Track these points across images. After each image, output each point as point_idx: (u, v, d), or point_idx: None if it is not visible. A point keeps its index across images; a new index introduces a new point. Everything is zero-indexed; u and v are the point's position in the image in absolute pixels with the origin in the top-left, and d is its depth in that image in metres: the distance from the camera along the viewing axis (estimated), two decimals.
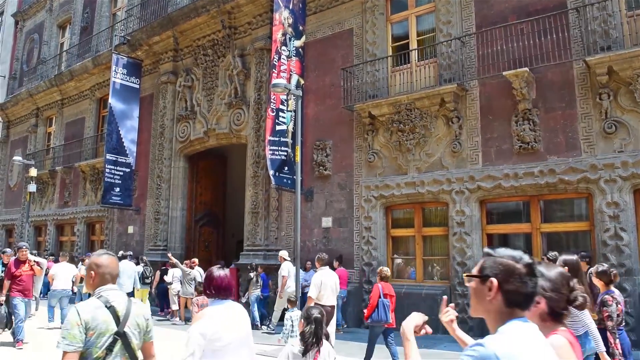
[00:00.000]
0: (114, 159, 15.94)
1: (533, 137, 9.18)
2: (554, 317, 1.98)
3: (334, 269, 10.19)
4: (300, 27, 12.69)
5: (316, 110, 12.37)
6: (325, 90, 12.30)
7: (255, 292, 11.40)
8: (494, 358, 1.52)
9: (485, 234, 9.83)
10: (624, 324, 4.90)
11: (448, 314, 2.07)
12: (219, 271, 3.30)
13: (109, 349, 2.65)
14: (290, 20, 12.33)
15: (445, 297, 2.16)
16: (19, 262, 8.70)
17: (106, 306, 2.69)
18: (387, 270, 7.58)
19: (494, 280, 1.64)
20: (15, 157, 20.14)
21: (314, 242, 11.86)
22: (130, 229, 16.68)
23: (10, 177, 23.92)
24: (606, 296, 4.98)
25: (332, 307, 7.73)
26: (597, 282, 5.25)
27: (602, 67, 8.39)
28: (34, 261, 9.04)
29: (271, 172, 11.66)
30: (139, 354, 2.84)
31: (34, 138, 22.57)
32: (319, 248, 11.63)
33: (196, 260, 12.34)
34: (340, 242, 11.46)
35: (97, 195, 17.60)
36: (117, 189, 15.94)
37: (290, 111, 12.03)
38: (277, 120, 11.92)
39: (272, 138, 11.76)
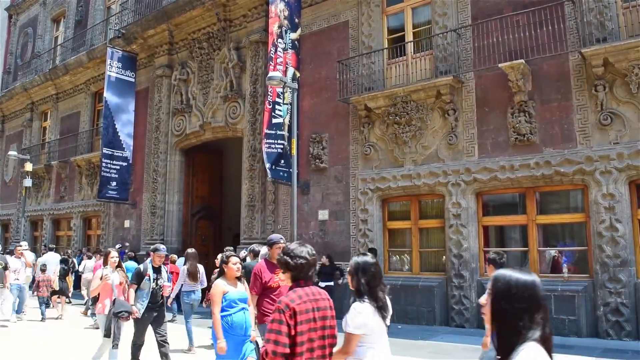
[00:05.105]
0: (110, 153, 15.88)
1: (529, 129, 9.19)
2: None
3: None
4: (296, 20, 12.62)
5: (312, 103, 12.34)
6: (321, 83, 12.26)
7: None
8: None
9: (481, 226, 9.85)
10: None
11: None
12: None
13: None
14: (286, 13, 12.27)
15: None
16: (271, 266, 5.11)
17: None
18: (175, 256, 11.71)
19: None
20: (10, 152, 19.98)
21: (311, 235, 11.87)
22: (127, 223, 16.65)
23: (5, 172, 23.83)
24: None
25: None
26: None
27: (597, 58, 8.39)
28: None
29: (267, 166, 11.63)
30: None
31: (29, 132, 22.46)
32: (315, 241, 11.65)
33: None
34: (337, 234, 11.47)
35: (93, 190, 17.55)
36: (114, 183, 15.90)
37: (287, 104, 11.99)
38: (273, 113, 11.88)
39: (268, 131, 11.72)
